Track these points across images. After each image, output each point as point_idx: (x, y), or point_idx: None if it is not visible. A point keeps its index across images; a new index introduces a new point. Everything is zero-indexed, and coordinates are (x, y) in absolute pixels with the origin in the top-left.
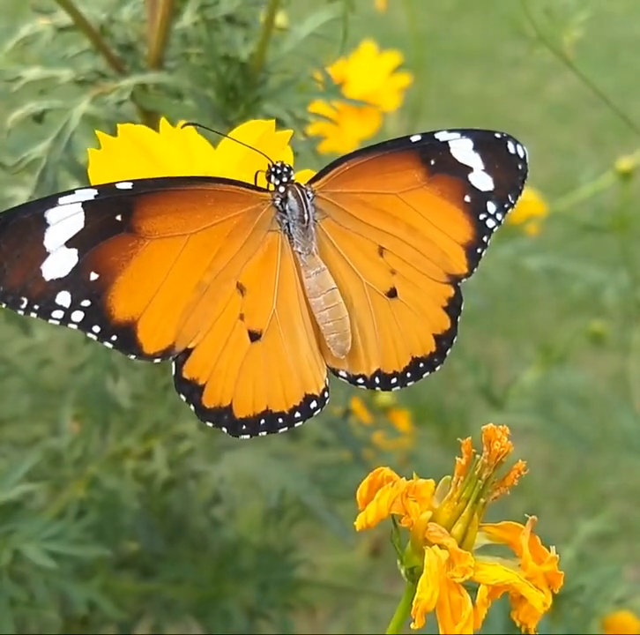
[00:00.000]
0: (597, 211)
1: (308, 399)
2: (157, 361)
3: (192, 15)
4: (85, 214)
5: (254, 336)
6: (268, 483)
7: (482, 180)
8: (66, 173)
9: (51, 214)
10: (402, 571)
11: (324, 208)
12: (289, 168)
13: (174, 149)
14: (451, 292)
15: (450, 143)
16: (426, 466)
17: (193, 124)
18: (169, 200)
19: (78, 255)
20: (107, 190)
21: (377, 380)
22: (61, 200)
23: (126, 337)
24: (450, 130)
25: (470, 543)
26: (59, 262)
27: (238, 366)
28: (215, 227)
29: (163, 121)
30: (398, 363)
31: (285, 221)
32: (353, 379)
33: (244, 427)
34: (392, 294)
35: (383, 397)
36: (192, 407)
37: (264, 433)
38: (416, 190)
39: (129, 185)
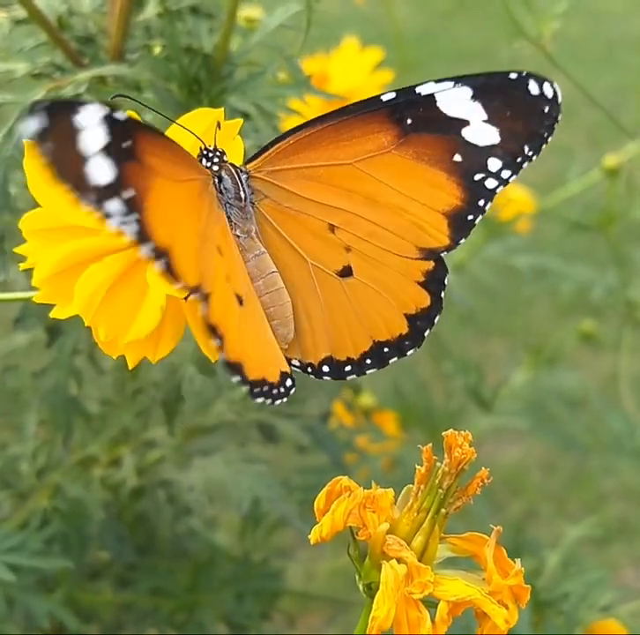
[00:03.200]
0: (584, 208)
1: (284, 376)
2: (195, 297)
3: (155, 5)
4: (108, 128)
5: (239, 300)
6: (239, 491)
7: (483, 133)
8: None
9: (82, 118)
10: (360, 587)
11: (262, 188)
12: (222, 152)
13: None
14: (430, 265)
15: (436, 95)
16: (412, 471)
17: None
18: (153, 145)
19: (116, 166)
20: (110, 113)
21: (327, 368)
22: (88, 106)
23: (168, 263)
24: (440, 81)
25: (430, 556)
26: (101, 169)
27: (237, 325)
28: (192, 184)
29: None
30: (355, 349)
31: (223, 201)
32: (303, 368)
33: (256, 390)
34: (346, 273)
35: (367, 399)
36: (222, 358)
37: (270, 401)
38: (380, 156)
39: (123, 116)
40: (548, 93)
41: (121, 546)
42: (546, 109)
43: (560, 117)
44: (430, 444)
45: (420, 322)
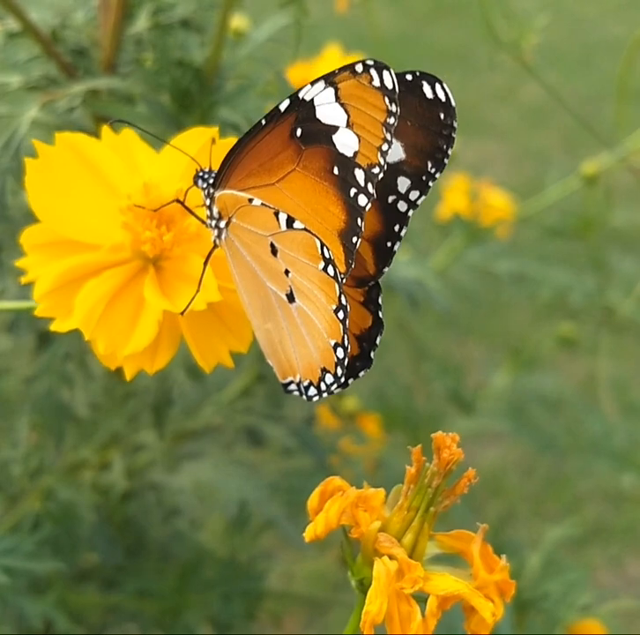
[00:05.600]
0: (562, 215)
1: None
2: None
3: (147, 19)
4: None
5: None
6: (227, 494)
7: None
8: None
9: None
10: (353, 583)
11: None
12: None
13: (116, 156)
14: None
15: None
16: (395, 473)
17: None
18: None
19: None
20: None
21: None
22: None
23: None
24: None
25: (420, 553)
26: None
27: None
28: None
29: (105, 128)
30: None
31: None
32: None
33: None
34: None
35: (351, 402)
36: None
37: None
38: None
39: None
40: (441, 95)
41: (110, 548)
42: (442, 116)
43: (456, 124)
44: (420, 445)
45: (365, 343)
